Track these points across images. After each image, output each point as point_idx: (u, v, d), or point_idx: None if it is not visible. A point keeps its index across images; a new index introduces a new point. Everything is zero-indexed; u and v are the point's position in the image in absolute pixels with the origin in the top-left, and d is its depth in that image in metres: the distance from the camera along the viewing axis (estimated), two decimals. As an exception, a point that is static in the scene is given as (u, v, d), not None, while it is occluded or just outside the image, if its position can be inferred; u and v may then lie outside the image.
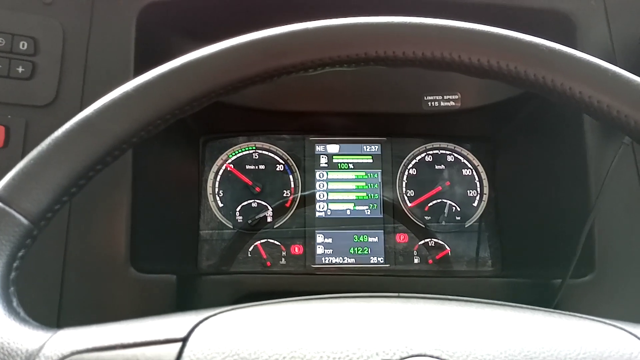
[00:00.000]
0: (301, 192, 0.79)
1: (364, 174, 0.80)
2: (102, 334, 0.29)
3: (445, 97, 0.75)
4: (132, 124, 0.32)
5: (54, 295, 0.58)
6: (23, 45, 0.61)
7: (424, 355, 0.26)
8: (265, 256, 0.77)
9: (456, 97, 0.75)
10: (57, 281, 0.58)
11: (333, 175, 0.80)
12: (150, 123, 0.32)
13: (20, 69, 0.61)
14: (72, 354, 0.27)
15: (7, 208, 0.30)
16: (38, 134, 0.60)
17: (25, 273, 0.32)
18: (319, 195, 0.79)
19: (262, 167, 0.80)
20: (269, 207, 0.78)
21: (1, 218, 0.30)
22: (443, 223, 0.79)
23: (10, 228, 0.30)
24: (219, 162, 0.79)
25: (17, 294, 0.30)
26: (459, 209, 0.79)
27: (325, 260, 0.77)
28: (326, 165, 0.80)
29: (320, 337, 0.27)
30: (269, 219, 0.78)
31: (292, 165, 0.80)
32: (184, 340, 0.28)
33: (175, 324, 0.29)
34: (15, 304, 0.30)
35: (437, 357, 0.26)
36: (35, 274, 0.57)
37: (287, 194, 0.79)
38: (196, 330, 0.28)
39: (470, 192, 0.80)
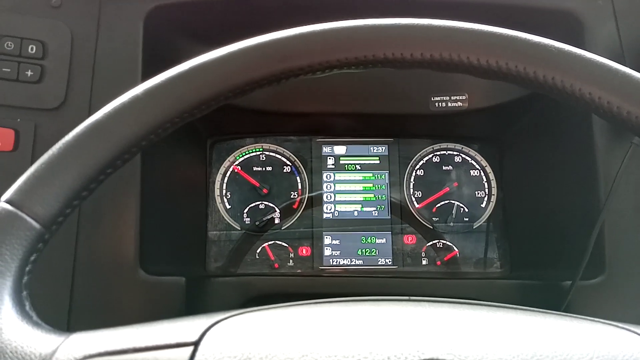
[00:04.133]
0: (308, 193, 0.79)
1: (371, 175, 0.80)
2: (114, 337, 0.29)
3: (452, 98, 0.74)
4: (141, 128, 0.32)
5: (64, 298, 0.58)
6: (32, 49, 0.62)
7: (436, 359, 0.26)
8: (273, 258, 0.77)
9: (463, 97, 0.75)
10: (67, 284, 0.59)
11: (340, 176, 0.80)
12: (159, 126, 0.32)
13: (29, 73, 0.61)
14: (85, 357, 0.27)
15: (19, 212, 0.30)
16: (47, 137, 0.61)
17: (36, 277, 0.32)
18: (326, 197, 0.79)
19: (269, 168, 0.80)
20: (277, 209, 0.78)
21: (13, 222, 0.30)
22: (451, 224, 0.79)
23: (23, 232, 0.30)
24: (226, 163, 0.79)
25: (29, 297, 0.31)
26: (467, 210, 0.79)
27: (333, 261, 0.77)
28: (333, 166, 0.80)
29: (332, 341, 0.27)
30: (277, 221, 0.78)
31: (299, 166, 0.80)
32: (196, 344, 0.28)
33: (186, 327, 0.29)
34: (28, 307, 0.30)
35: (448, 361, 0.26)
36: (45, 277, 0.57)
37: (294, 195, 0.79)
38: (208, 333, 0.28)
39: (478, 193, 0.80)
